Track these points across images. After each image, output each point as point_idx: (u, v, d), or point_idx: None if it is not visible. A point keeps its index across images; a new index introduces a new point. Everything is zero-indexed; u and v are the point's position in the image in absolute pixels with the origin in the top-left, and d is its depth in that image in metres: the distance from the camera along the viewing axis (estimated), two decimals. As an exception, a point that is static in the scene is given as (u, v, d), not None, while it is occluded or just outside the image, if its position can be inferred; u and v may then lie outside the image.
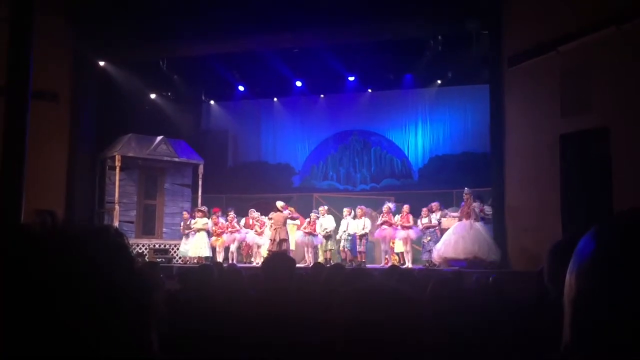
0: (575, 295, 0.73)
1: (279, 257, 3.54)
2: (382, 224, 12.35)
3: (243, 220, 13.89)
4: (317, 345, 2.27)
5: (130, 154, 14.13)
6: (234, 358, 2.58)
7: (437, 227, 12.17)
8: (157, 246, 14.24)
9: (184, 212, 14.22)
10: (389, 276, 4.83)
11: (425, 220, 12.20)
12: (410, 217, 12.24)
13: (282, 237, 12.57)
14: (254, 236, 13.48)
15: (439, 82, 16.16)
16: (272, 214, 12.94)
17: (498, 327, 2.95)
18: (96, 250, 0.83)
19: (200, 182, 14.98)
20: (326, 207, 13.40)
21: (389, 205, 12.65)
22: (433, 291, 3.75)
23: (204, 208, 13.97)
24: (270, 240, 12.69)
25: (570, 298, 0.74)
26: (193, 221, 13.58)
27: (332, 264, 9.17)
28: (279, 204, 13.01)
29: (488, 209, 11.92)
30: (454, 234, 11.22)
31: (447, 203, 13.40)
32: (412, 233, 12.14)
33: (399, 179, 17.19)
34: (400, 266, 10.77)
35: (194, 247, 13.35)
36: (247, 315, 2.83)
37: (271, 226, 12.88)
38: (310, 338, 2.44)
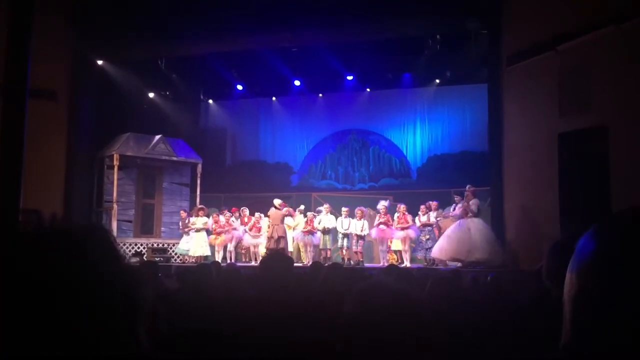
0: (576, 294, 0.73)
1: (277, 256, 3.53)
2: (379, 224, 12.32)
3: (238, 219, 13.90)
4: (317, 345, 2.27)
5: (129, 153, 14.11)
6: (233, 357, 2.58)
7: (434, 226, 12.17)
8: (155, 245, 14.22)
9: (182, 211, 14.20)
10: (387, 275, 4.83)
11: (424, 218, 12.18)
12: (409, 217, 12.22)
13: (280, 234, 12.60)
14: (249, 237, 13.48)
15: (437, 81, 16.16)
16: (269, 212, 12.95)
17: (497, 326, 2.95)
18: (83, 247, 0.83)
19: (198, 181, 14.98)
20: (328, 206, 13.41)
21: (384, 204, 12.60)
22: (432, 290, 3.76)
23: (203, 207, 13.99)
24: (268, 237, 12.71)
25: (570, 296, 0.74)
26: (192, 219, 13.57)
27: (330, 263, 9.16)
28: (277, 201, 13.03)
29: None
30: (445, 235, 11.26)
31: (446, 202, 13.39)
32: (411, 232, 12.12)
33: (398, 178, 17.20)
34: (399, 265, 10.78)
35: (195, 245, 13.35)
36: (245, 315, 2.82)
37: (268, 224, 12.90)
38: (309, 337, 2.44)
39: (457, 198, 12.15)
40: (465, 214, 11.23)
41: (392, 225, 12.19)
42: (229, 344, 2.60)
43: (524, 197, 10.88)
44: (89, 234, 0.86)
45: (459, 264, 10.67)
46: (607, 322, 0.68)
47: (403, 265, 11.33)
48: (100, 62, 14.18)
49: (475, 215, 11.19)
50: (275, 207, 12.88)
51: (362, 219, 12.58)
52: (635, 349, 0.66)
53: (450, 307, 3.20)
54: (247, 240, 13.51)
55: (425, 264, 11.90)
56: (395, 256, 12.70)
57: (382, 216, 12.35)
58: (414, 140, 17.16)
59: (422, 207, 12.30)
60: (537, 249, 9.44)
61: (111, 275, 0.84)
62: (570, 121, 9.87)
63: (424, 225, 12.10)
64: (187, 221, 13.72)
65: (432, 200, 12.66)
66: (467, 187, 11.57)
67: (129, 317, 0.84)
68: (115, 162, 13.72)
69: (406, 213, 12.22)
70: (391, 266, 7.38)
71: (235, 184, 16.97)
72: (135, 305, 0.85)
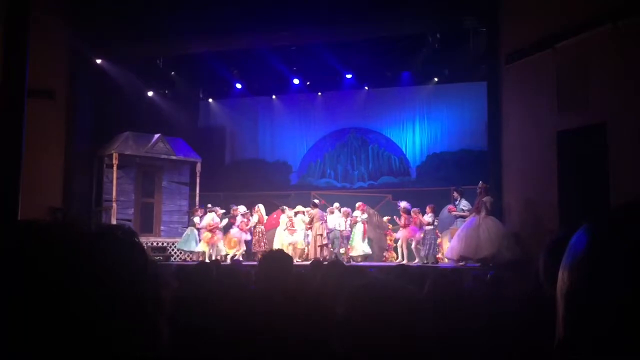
0: (568, 291, 0.73)
1: (276, 255, 3.54)
2: (404, 225, 12.34)
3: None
4: (316, 344, 2.27)
5: (128, 152, 14.11)
6: (232, 356, 2.58)
7: (434, 226, 12.17)
8: (154, 244, 14.23)
9: (198, 209, 14.07)
10: (386, 274, 4.84)
11: (428, 218, 12.14)
12: (419, 218, 12.26)
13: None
14: (287, 235, 13.23)
15: (436, 79, 16.16)
16: (313, 210, 12.94)
17: (495, 324, 2.96)
18: (110, 248, 0.83)
19: (197, 180, 14.97)
20: (338, 205, 13.39)
21: (404, 205, 12.60)
22: (431, 288, 3.76)
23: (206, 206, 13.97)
24: (319, 235, 12.74)
25: (562, 293, 0.75)
26: (197, 219, 13.53)
27: (329, 261, 9.20)
28: (316, 201, 13.10)
29: (465, 205, 11.88)
30: (456, 234, 11.26)
31: (446, 200, 13.39)
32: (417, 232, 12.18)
33: (397, 177, 17.21)
34: (410, 264, 10.80)
35: (191, 244, 13.36)
36: (245, 314, 2.83)
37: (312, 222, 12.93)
38: (308, 336, 2.44)
39: (455, 194, 12.15)
40: (477, 211, 11.16)
41: (410, 224, 12.25)
42: (227, 343, 2.61)
43: (523, 195, 10.89)
44: (115, 235, 0.87)
45: (467, 262, 10.66)
46: (600, 318, 0.69)
47: (415, 263, 11.41)
48: (98, 61, 14.15)
49: (489, 212, 11.11)
50: (315, 205, 12.95)
51: (343, 217, 12.75)
52: (628, 344, 0.66)
53: (450, 305, 3.21)
54: (285, 239, 13.27)
55: (425, 262, 11.92)
56: (394, 254, 12.73)
57: (402, 216, 12.37)
58: (413, 138, 17.17)
59: (428, 208, 12.30)
60: (537, 246, 9.45)
61: (136, 277, 0.84)
62: (569, 118, 9.88)
63: (427, 224, 12.10)
64: (196, 217, 13.62)
65: (430, 199, 12.65)
66: (479, 184, 11.45)
67: (153, 319, 0.84)
68: (115, 161, 13.72)
69: (419, 214, 12.24)
70: (399, 266, 7.36)
71: (235, 182, 16.96)
72: (159, 307, 0.86)
